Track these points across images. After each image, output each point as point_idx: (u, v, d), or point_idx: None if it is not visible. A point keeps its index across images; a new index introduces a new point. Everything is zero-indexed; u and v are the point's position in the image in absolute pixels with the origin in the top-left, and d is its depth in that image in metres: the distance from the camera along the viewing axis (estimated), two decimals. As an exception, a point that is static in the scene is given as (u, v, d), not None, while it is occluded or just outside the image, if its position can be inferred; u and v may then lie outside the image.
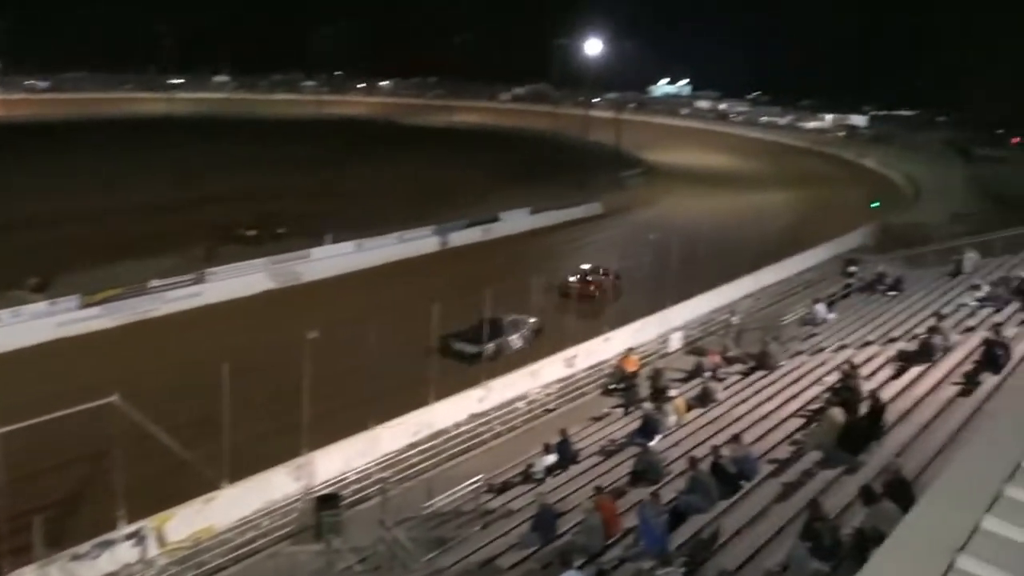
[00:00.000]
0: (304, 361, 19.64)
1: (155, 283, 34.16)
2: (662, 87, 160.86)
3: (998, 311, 25.69)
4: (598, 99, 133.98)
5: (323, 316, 29.97)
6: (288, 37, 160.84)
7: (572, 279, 36.96)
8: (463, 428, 24.18)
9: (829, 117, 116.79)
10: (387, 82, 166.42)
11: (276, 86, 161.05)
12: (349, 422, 21.94)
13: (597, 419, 24.43)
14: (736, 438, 18.17)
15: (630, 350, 28.47)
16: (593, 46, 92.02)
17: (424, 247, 46.70)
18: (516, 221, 53.57)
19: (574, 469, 20.38)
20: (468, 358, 28.38)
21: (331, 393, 21.73)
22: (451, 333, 28.76)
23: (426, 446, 22.96)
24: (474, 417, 24.85)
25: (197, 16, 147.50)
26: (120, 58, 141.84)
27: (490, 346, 29.21)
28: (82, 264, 38.39)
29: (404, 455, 22.39)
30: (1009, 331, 22.52)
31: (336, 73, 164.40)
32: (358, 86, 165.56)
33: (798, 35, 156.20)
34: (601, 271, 38.80)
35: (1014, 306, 25.63)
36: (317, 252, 41.70)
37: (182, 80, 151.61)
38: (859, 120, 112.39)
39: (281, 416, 21.58)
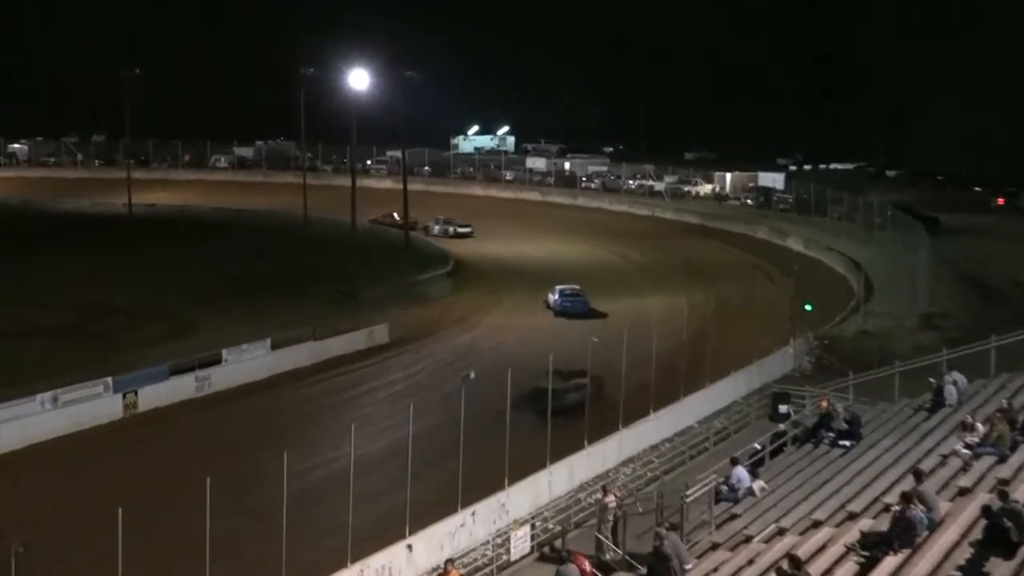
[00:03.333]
0: None
1: None
2: (471, 139, 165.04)
3: (1002, 461, 27.29)
4: (375, 162, 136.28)
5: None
6: None
7: None
8: None
9: (729, 177, 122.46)
10: (21, 144, 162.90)
11: None
12: None
13: None
14: None
15: (450, 562, 28.22)
16: (359, 79, 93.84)
17: (97, 413, 45.59)
18: (249, 363, 53.20)
19: None
20: None
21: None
22: None
23: None
24: None
25: None
26: None
27: None
28: None
29: None
30: (1020, 491, 23.90)
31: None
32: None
33: (671, 64, 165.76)
34: None
35: None
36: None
37: None
38: (774, 180, 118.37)
39: None
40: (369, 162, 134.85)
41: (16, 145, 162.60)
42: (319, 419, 46.24)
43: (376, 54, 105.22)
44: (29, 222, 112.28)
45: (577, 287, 71.21)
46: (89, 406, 45.61)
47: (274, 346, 55.02)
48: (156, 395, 48.08)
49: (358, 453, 31.07)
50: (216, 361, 51.88)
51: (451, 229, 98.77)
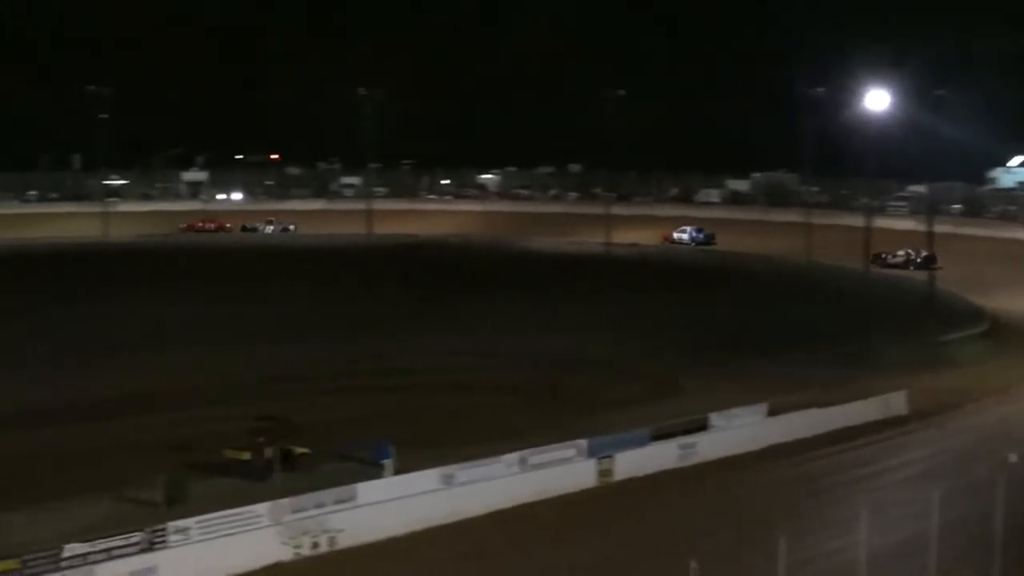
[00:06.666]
0: None
1: (73, 549, 35.08)
2: (1014, 172, 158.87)
3: None
4: (894, 198, 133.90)
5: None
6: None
7: None
8: None
9: None
10: (493, 175, 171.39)
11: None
12: None
13: None
14: None
15: None
16: (878, 100, 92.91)
17: (568, 480, 46.67)
18: (742, 430, 53.37)
19: None
20: None
21: None
22: None
23: None
24: None
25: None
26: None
27: None
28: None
29: None
30: None
31: (405, 163, 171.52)
32: (442, 183, 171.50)
33: None
34: None
35: None
36: (367, 490, 42.36)
37: (125, 181, 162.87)
38: None
39: None
40: (886, 199, 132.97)
41: (486, 176, 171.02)
42: (819, 502, 45.65)
43: (900, 68, 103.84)
44: (490, 264, 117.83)
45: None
46: (559, 471, 46.68)
47: (771, 413, 55.05)
48: (633, 462, 48.69)
49: (867, 546, 30.84)
50: (702, 427, 52.41)
51: None
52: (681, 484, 48.14)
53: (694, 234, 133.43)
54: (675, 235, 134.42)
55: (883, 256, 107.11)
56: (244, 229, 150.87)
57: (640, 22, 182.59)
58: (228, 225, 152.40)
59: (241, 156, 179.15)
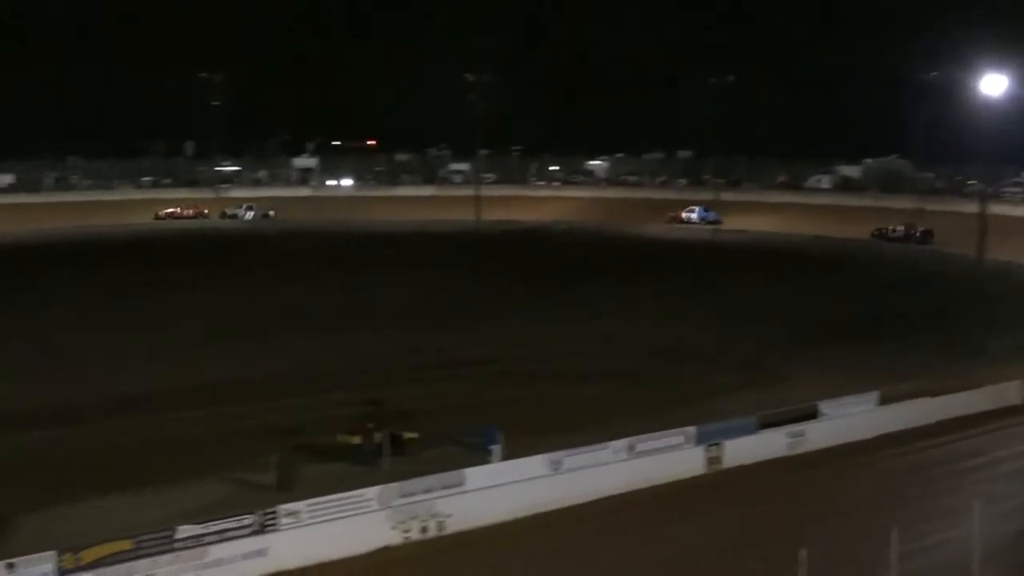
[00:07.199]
0: None
1: (186, 531, 35.73)
2: None
3: None
4: (1010, 183, 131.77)
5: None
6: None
7: None
8: None
9: None
10: (601, 161, 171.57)
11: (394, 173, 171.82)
12: None
13: None
14: None
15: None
16: (994, 84, 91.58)
17: (678, 466, 46.55)
18: (852, 419, 52.76)
19: None
20: None
21: None
22: None
23: None
24: None
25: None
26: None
27: None
28: (57, 497, 40.62)
29: None
30: None
31: (514, 149, 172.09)
32: (551, 169, 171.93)
33: None
34: None
35: None
36: (476, 476, 42.54)
37: (237, 168, 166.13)
38: None
39: None
40: (1002, 185, 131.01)
41: (595, 162, 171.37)
42: (930, 491, 45.15)
43: (1018, 51, 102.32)
44: (603, 247, 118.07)
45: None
46: (667, 458, 46.58)
47: (882, 401, 54.54)
48: (742, 450, 48.49)
49: (979, 536, 30.60)
50: (812, 415, 51.95)
51: None
52: (790, 472, 47.86)
53: (703, 213, 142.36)
54: (683, 215, 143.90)
55: (884, 230, 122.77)
56: (223, 215, 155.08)
57: (752, 7, 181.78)
58: (205, 211, 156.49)
59: (339, 143, 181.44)
